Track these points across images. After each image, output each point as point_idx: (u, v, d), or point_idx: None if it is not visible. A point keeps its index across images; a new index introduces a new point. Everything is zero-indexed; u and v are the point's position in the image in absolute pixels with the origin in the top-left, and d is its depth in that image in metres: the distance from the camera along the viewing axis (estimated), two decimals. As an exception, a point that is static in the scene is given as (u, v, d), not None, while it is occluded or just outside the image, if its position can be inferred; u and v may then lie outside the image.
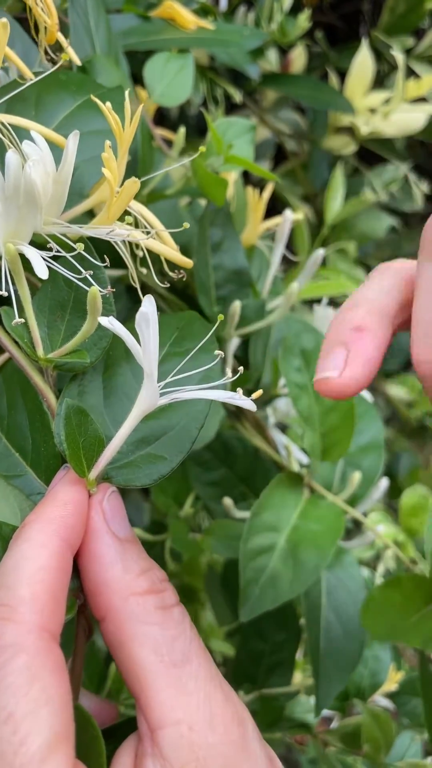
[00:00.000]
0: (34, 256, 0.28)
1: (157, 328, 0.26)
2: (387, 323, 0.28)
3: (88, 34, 0.52)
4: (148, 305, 0.26)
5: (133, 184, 0.29)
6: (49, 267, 0.29)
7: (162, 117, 0.88)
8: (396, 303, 0.28)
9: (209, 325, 0.30)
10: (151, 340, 0.26)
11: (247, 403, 0.28)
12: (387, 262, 0.30)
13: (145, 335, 0.25)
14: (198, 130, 0.87)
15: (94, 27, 0.53)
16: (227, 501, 0.59)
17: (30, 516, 0.27)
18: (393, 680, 0.73)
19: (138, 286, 0.32)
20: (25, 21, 0.48)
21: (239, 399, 0.27)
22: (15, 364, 0.34)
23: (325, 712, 0.87)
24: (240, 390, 0.27)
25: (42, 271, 0.27)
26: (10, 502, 0.31)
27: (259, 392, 0.27)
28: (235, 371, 0.28)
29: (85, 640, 0.31)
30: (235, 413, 0.62)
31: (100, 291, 0.27)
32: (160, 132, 0.64)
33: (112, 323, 0.26)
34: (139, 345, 0.26)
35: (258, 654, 0.66)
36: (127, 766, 0.24)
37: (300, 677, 0.79)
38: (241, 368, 0.28)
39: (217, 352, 0.29)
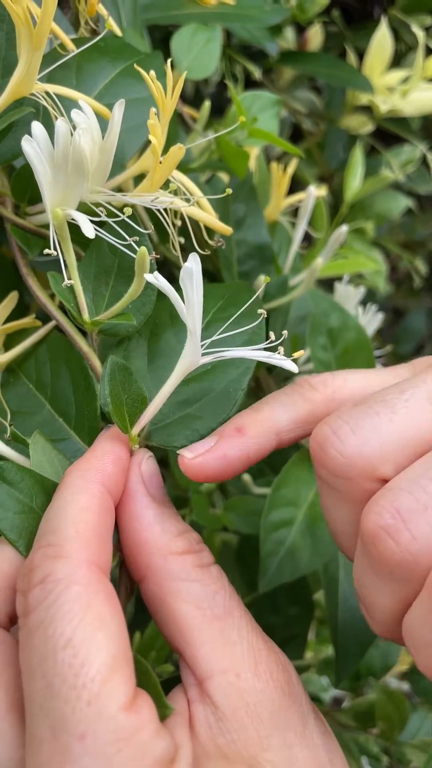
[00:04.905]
0: (82, 218, 0.29)
1: (201, 284, 0.26)
2: (270, 435, 0.30)
3: (114, 5, 0.52)
4: (193, 262, 0.26)
5: (179, 150, 0.30)
6: (94, 234, 0.29)
7: (178, 95, 0.88)
8: (288, 419, 0.30)
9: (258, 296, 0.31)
10: (195, 295, 0.26)
11: (288, 364, 0.28)
12: (310, 378, 0.31)
13: (189, 290, 0.26)
14: (215, 109, 0.86)
15: (121, -1, 0.53)
16: (246, 477, 0.59)
17: (70, 467, 0.28)
18: (405, 662, 0.74)
19: (179, 254, 0.33)
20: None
21: (280, 359, 0.28)
22: (58, 335, 0.35)
23: (337, 693, 0.89)
24: (281, 349, 0.28)
25: (89, 231, 0.28)
26: (54, 465, 0.32)
27: (301, 352, 0.28)
28: (277, 336, 0.29)
29: (127, 598, 0.32)
30: (255, 391, 0.62)
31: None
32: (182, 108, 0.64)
33: (157, 278, 0.26)
34: (183, 302, 0.26)
35: (271, 628, 0.67)
36: (181, 709, 0.25)
37: (311, 656, 0.80)
38: (284, 332, 0.29)
39: (260, 311, 0.29)
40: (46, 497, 0.29)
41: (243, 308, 0.30)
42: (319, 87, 0.94)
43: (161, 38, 0.67)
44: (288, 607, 0.66)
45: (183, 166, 0.56)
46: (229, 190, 0.32)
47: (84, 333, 0.32)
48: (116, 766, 0.22)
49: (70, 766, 0.22)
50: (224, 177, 0.60)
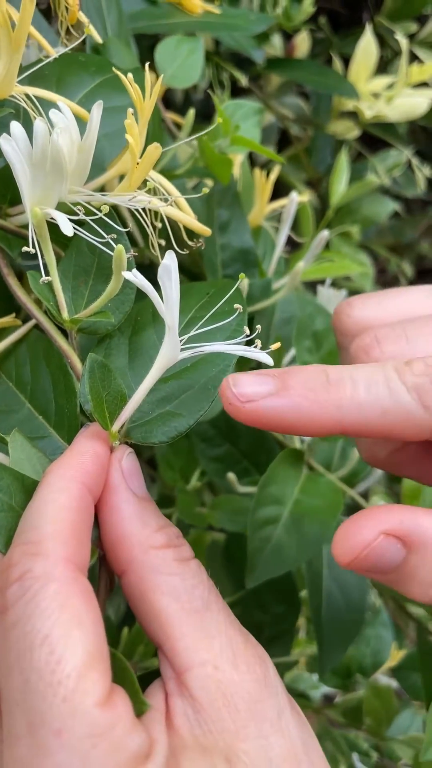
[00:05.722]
0: (61, 217, 0.29)
1: (178, 281, 0.27)
2: None
3: (100, 16, 0.53)
4: (170, 260, 0.26)
5: (155, 149, 0.31)
6: (73, 233, 0.30)
7: (167, 102, 0.89)
8: None
9: (240, 293, 0.31)
10: (173, 292, 0.26)
11: (264, 357, 0.29)
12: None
13: (167, 287, 0.26)
14: (202, 116, 0.88)
15: (106, 9, 0.54)
16: (231, 476, 0.60)
17: (50, 466, 0.29)
18: (395, 659, 0.75)
19: (158, 254, 0.34)
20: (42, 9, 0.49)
21: (257, 353, 0.29)
22: (38, 334, 0.35)
23: (328, 690, 0.89)
24: (258, 342, 0.29)
25: (68, 229, 0.28)
26: (33, 463, 0.32)
27: (278, 345, 0.29)
28: (252, 331, 0.29)
29: (106, 594, 0.33)
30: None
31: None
32: (167, 115, 0.65)
33: (135, 275, 0.27)
34: (161, 299, 0.27)
35: (259, 625, 0.68)
36: (158, 704, 0.26)
37: (298, 652, 0.80)
38: (258, 327, 0.29)
39: (236, 306, 0.30)
40: (26, 495, 0.29)
41: (221, 302, 0.30)
42: (306, 93, 0.95)
43: (149, 46, 0.68)
44: (275, 604, 0.66)
45: (169, 172, 0.57)
46: (206, 189, 0.32)
47: (64, 332, 0.33)
48: (92, 761, 0.22)
49: (46, 761, 0.22)
50: (210, 183, 0.60)
